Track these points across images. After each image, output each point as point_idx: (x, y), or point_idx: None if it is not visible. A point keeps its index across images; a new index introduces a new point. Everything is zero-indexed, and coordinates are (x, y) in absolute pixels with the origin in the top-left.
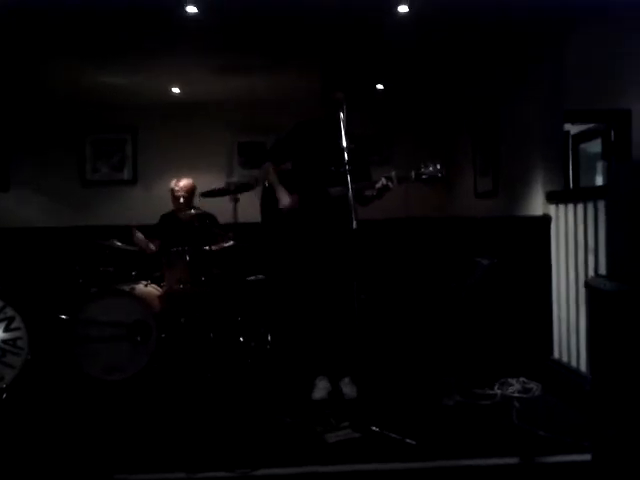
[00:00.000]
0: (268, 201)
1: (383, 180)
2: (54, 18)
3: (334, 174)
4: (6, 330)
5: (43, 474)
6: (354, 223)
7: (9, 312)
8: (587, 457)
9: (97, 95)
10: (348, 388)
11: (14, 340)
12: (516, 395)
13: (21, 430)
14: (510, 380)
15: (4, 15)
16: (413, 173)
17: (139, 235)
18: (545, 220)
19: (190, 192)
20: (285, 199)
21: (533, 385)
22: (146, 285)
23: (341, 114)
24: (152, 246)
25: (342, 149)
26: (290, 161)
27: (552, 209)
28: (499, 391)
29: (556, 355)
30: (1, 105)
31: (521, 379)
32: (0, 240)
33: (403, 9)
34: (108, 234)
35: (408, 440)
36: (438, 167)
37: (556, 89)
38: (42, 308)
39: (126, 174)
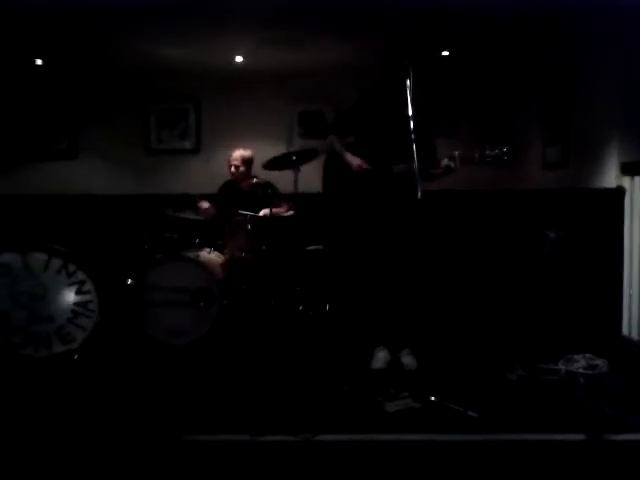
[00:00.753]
0: (333, 168)
1: (445, 160)
2: None
3: (399, 145)
4: (78, 293)
5: (113, 433)
6: (419, 193)
7: (80, 276)
8: None
9: (161, 64)
10: (408, 359)
11: (85, 303)
12: (581, 371)
13: (92, 390)
14: (576, 356)
15: None
16: (477, 155)
17: (204, 204)
18: (619, 193)
19: (245, 163)
20: (355, 161)
21: (599, 362)
22: (209, 252)
23: (407, 82)
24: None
25: (408, 118)
26: (354, 134)
27: (627, 181)
28: (564, 367)
29: (625, 331)
30: (70, 74)
31: (587, 355)
32: (70, 207)
33: None
34: (172, 202)
35: (470, 412)
36: (505, 150)
37: (636, 52)
38: (111, 273)
39: (188, 144)
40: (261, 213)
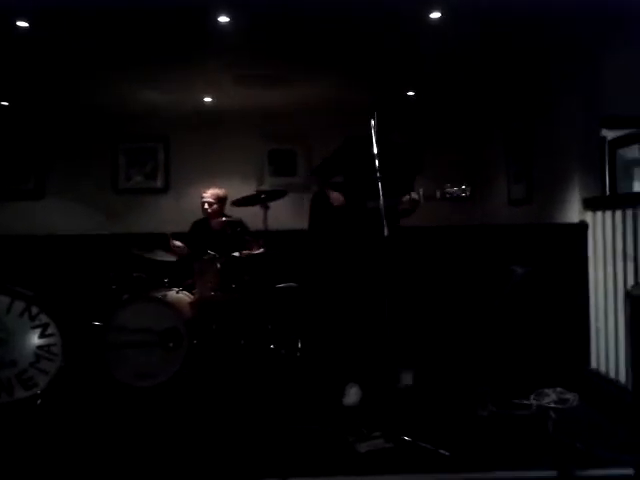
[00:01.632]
0: (318, 204)
1: (407, 197)
2: (86, 29)
3: (372, 184)
4: (41, 336)
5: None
6: (385, 230)
7: (44, 319)
8: (629, 472)
9: (130, 105)
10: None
11: (49, 346)
12: (552, 406)
13: (56, 436)
14: (546, 390)
15: (37, 26)
16: (438, 192)
17: (176, 242)
18: (582, 227)
19: (218, 200)
20: (334, 195)
21: (570, 396)
22: (178, 292)
23: (372, 121)
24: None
25: (374, 157)
26: (340, 175)
27: (589, 216)
28: (535, 401)
29: (594, 365)
30: (37, 116)
31: (558, 389)
32: (35, 247)
33: (435, 15)
34: (141, 242)
35: (441, 451)
36: (463, 187)
37: (593, 95)
38: (76, 314)
39: (159, 182)
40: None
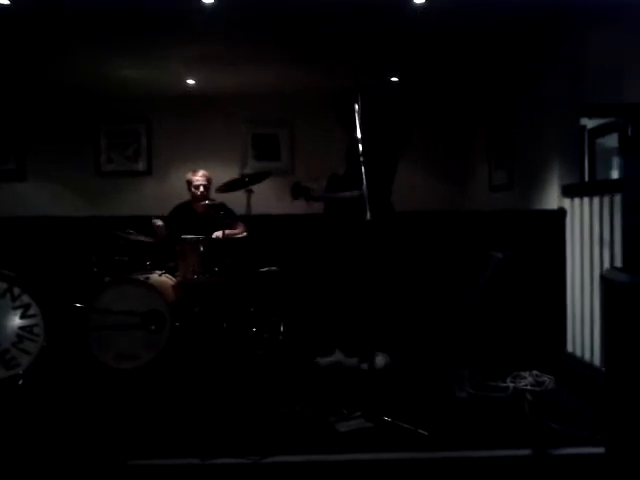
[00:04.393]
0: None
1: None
2: (69, 9)
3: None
4: (23, 317)
5: (57, 459)
6: (367, 214)
7: (25, 299)
8: (600, 450)
9: (112, 86)
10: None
11: (30, 327)
12: (529, 388)
13: (36, 415)
14: (523, 373)
15: (20, 7)
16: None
17: (159, 222)
18: (560, 213)
19: (209, 182)
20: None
21: (546, 378)
22: (160, 275)
23: (355, 106)
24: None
25: (357, 141)
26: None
27: (567, 203)
28: (512, 384)
29: (570, 349)
30: (18, 97)
31: (534, 372)
32: (17, 229)
33: (420, 0)
34: (123, 224)
35: (420, 430)
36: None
37: (572, 83)
38: (58, 296)
39: (141, 165)
40: (214, 235)
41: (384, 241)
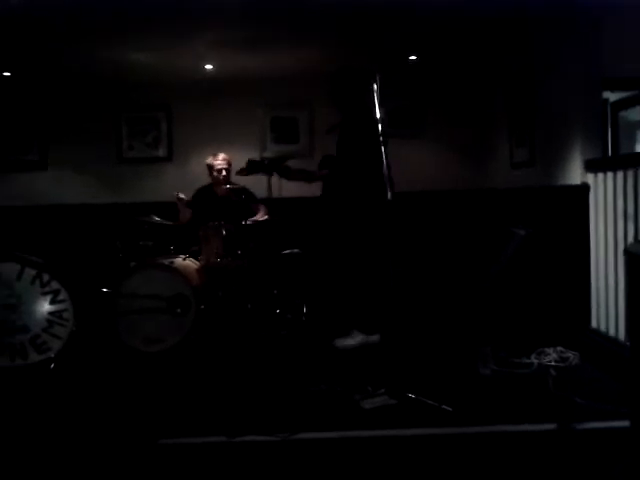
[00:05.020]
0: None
1: None
2: None
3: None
4: (52, 302)
5: (90, 439)
6: (389, 194)
7: (55, 285)
8: (625, 423)
9: (131, 73)
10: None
11: (60, 312)
12: (553, 364)
13: (69, 398)
14: (547, 350)
15: None
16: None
17: (182, 195)
18: (584, 189)
19: (230, 165)
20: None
21: (570, 354)
22: (184, 259)
23: (375, 86)
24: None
25: (376, 121)
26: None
27: (591, 178)
28: (536, 360)
29: (594, 324)
30: (39, 88)
31: (558, 348)
32: (43, 217)
33: None
34: (146, 210)
35: (444, 406)
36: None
37: (594, 56)
38: (85, 282)
39: (161, 151)
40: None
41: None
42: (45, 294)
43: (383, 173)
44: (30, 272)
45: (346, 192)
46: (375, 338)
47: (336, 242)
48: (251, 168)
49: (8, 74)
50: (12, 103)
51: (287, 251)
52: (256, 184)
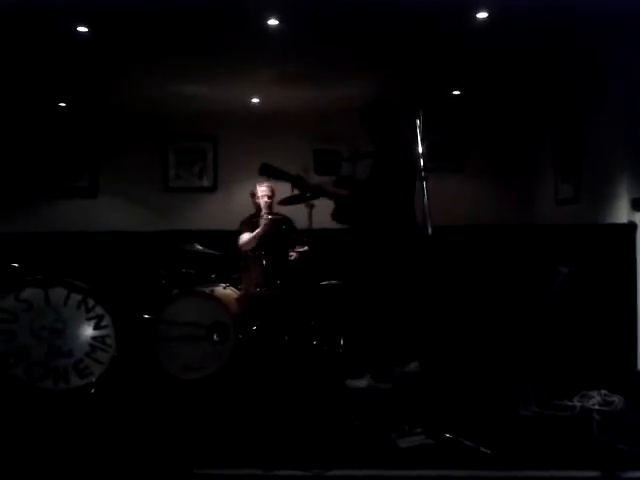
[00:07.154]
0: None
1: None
2: (135, 30)
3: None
4: (96, 328)
5: (126, 466)
6: (429, 229)
7: (99, 310)
8: None
9: (180, 105)
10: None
11: (103, 337)
12: (597, 408)
13: (107, 423)
14: (591, 392)
15: (96, 29)
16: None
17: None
18: (630, 228)
19: (273, 193)
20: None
21: (615, 398)
22: (225, 287)
23: (418, 122)
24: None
25: (419, 157)
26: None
27: (638, 217)
28: (579, 403)
29: None
30: (91, 118)
31: (602, 391)
32: (90, 243)
33: (482, 15)
34: (189, 238)
35: (482, 448)
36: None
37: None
38: (128, 308)
39: (206, 181)
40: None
41: (446, 256)
42: (89, 319)
43: (424, 209)
44: (76, 297)
45: (383, 224)
46: (386, 385)
47: (375, 275)
48: (264, 171)
49: (63, 105)
50: (66, 131)
51: (325, 282)
52: (296, 214)
